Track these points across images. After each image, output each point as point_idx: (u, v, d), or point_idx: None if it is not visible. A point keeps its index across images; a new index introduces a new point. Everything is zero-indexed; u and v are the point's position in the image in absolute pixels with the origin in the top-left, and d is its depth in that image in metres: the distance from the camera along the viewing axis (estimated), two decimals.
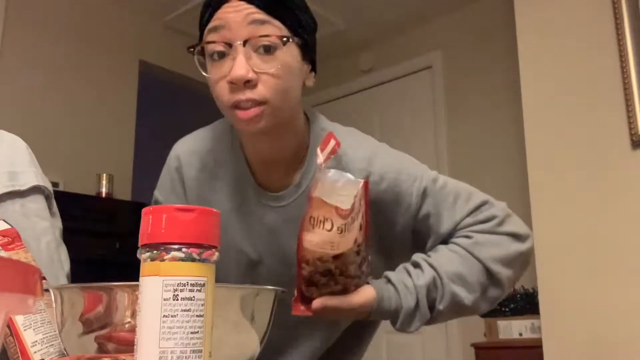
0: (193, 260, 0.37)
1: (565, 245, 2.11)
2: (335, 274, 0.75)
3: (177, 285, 0.37)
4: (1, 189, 0.89)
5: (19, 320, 0.60)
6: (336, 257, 0.73)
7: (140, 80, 3.40)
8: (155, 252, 0.37)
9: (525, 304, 2.51)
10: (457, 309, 0.83)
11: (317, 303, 0.76)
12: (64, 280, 0.92)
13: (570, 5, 2.24)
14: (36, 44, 2.92)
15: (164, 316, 0.36)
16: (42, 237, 0.90)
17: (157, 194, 1.02)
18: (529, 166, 2.26)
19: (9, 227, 0.70)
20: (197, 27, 0.88)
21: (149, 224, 0.38)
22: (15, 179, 0.91)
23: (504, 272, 0.85)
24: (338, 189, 0.73)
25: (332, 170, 0.75)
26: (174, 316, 0.36)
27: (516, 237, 0.87)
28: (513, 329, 2.48)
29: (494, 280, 0.85)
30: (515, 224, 0.89)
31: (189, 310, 0.37)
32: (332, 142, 0.76)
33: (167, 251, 0.37)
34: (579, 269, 2.06)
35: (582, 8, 2.21)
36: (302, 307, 0.77)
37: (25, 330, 0.60)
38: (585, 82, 2.16)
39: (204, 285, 0.38)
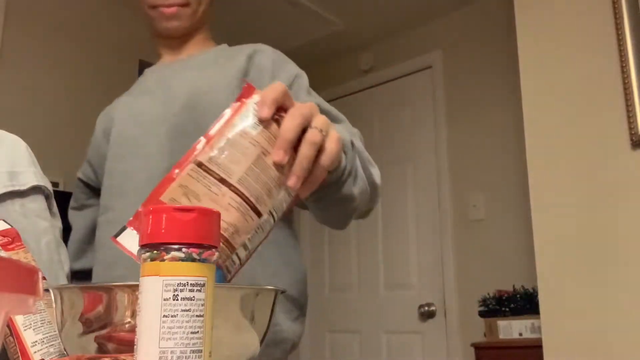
0: (193, 260, 0.37)
1: (565, 245, 2.11)
2: None
3: (177, 285, 0.37)
4: (1, 188, 0.89)
5: (19, 320, 0.60)
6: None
7: None
8: (155, 252, 0.37)
9: (525, 304, 2.51)
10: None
11: None
12: (64, 280, 0.92)
13: (570, 5, 2.24)
14: (36, 44, 2.92)
15: (163, 316, 0.36)
16: (42, 237, 0.90)
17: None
18: (529, 166, 2.26)
19: (9, 227, 0.70)
20: None
21: (149, 224, 0.38)
22: (15, 178, 0.91)
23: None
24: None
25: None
26: (174, 316, 0.36)
27: None
28: (513, 329, 2.48)
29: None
30: None
31: (189, 310, 0.37)
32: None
33: (167, 251, 0.37)
34: (579, 269, 2.06)
35: (582, 8, 2.21)
36: None
37: (25, 330, 0.59)
38: (585, 82, 2.16)
39: (204, 285, 0.38)
